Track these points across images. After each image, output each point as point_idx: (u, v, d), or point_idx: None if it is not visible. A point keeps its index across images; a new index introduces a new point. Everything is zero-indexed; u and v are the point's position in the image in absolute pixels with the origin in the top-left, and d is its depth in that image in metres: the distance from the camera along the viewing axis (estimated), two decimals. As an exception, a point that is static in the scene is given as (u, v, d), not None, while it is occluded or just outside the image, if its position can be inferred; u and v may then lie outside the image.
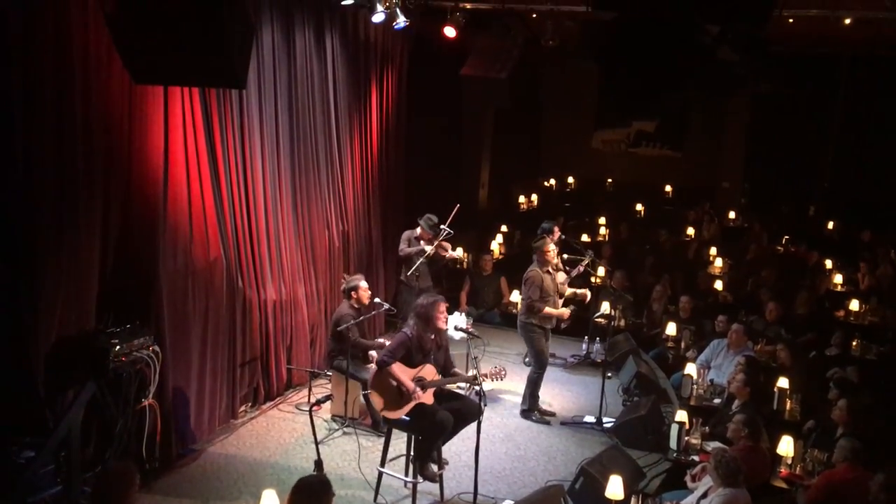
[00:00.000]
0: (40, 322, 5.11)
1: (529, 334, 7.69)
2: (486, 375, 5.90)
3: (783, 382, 7.19)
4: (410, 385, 5.76)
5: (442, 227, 8.82)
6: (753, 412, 6.22)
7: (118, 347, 5.34)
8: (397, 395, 5.81)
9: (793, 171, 14.88)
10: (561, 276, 8.16)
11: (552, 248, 7.77)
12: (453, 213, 8.87)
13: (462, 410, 5.89)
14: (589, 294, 8.25)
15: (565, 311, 7.84)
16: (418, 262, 8.77)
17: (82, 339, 5.35)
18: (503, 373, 6.12)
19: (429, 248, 8.78)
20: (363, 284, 7.46)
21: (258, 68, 7.25)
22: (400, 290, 9.21)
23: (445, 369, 6.12)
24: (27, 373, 5.06)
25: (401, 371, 5.78)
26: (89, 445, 5.60)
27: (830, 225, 13.97)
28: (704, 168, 16.36)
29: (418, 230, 9.01)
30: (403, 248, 9.04)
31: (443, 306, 5.96)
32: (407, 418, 5.84)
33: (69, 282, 5.30)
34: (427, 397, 5.84)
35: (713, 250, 12.23)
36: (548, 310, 7.57)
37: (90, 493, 5.02)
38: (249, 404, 7.55)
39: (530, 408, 7.81)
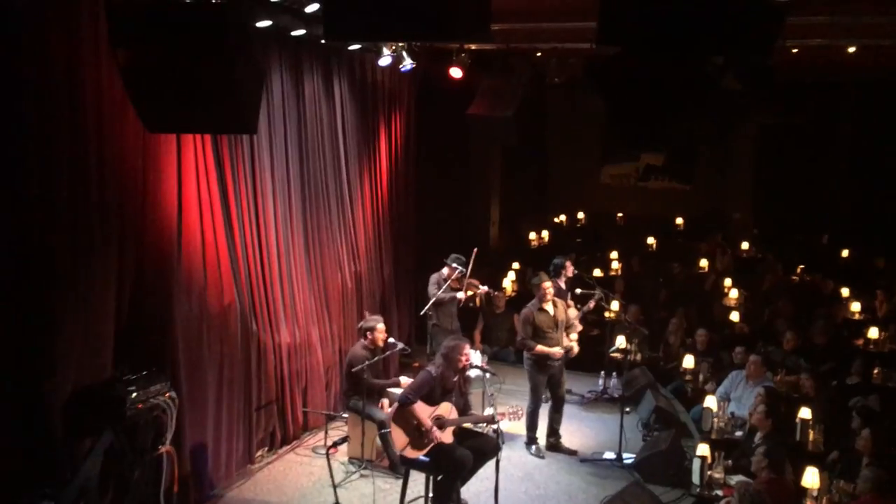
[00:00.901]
0: (57, 372, 5.11)
1: (528, 369, 7.80)
2: (503, 415, 5.88)
3: (805, 413, 7.09)
4: (428, 423, 5.75)
5: (455, 265, 8.85)
6: (776, 444, 6.13)
7: (135, 395, 5.33)
8: (417, 435, 5.78)
9: (803, 199, 14.84)
10: (573, 312, 8.15)
11: (548, 285, 7.78)
12: (472, 255, 8.90)
13: (480, 449, 5.86)
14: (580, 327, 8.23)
15: (557, 351, 7.67)
16: (453, 306, 8.82)
17: (99, 388, 5.35)
18: (520, 412, 6.10)
19: (461, 295, 8.84)
20: (380, 326, 7.46)
21: (268, 113, 7.35)
22: (433, 332, 9.21)
23: (464, 411, 6.13)
24: (44, 422, 5.05)
25: (421, 410, 5.78)
26: (107, 494, 5.57)
27: (845, 253, 13.88)
28: (715, 200, 16.34)
29: (445, 271, 9.02)
30: (433, 291, 9.01)
31: (467, 348, 6.01)
32: (426, 458, 5.79)
33: (85, 330, 5.31)
34: (446, 436, 5.81)
35: (728, 282, 12.16)
36: (539, 348, 7.57)
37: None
38: (266, 448, 7.52)
39: (528, 441, 7.81)
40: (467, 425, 6.13)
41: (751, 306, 11.50)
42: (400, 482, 6.13)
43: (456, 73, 9.35)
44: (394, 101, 10.05)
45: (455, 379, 6.00)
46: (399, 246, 10.34)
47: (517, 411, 6.07)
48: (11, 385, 4.96)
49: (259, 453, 7.38)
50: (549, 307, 7.72)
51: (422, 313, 9.00)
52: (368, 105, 9.42)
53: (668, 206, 16.76)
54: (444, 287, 8.91)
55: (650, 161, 17.19)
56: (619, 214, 17.09)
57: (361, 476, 7.05)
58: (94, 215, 5.39)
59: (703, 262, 13.79)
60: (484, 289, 9.15)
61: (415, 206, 10.92)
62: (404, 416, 5.83)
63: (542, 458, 7.67)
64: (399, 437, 5.83)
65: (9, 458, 4.88)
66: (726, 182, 16.03)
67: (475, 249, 8.94)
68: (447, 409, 5.90)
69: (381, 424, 6.97)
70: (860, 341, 9.82)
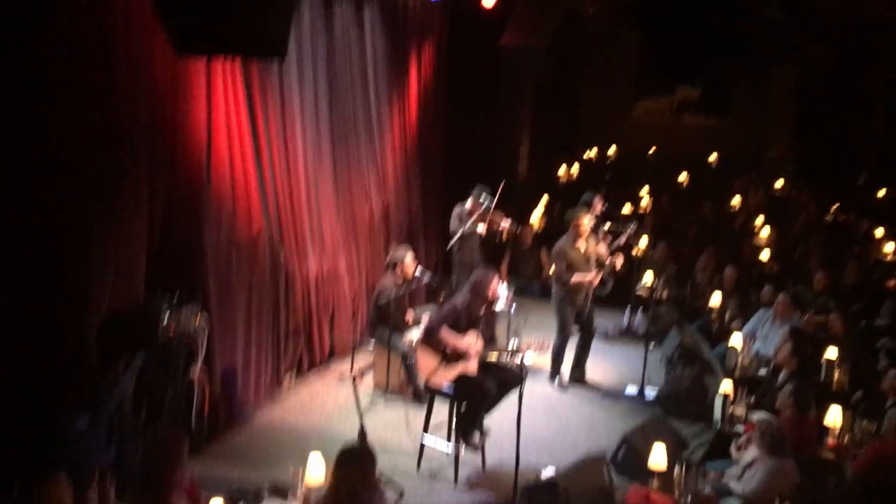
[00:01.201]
0: (91, 294, 5.21)
1: (556, 303, 7.82)
2: (529, 346, 5.90)
3: (831, 353, 7.06)
4: (463, 344, 5.81)
5: (482, 200, 8.80)
6: (803, 383, 6.12)
7: (166, 319, 5.44)
8: (443, 362, 5.86)
9: (842, 137, 14.50)
10: (602, 248, 8.09)
11: (585, 221, 7.71)
12: (500, 188, 8.84)
13: (505, 380, 5.93)
14: (619, 262, 8.10)
15: (589, 275, 7.67)
16: (456, 238, 8.78)
17: (132, 312, 5.45)
18: (546, 344, 6.11)
19: (481, 229, 8.79)
20: (409, 259, 7.48)
21: (297, 41, 7.25)
22: (452, 266, 9.22)
23: (490, 342, 6.16)
24: (80, 344, 5.19)
25: (451, 335, 5.83)
26: (140, 415, 5.74)
27: (881, 193, 13.61)
28: (750, 136, 16.03)
29: (468, 204, 8.97)
30: (456, 224, 9.00)
31: (496, 280, 6.00)
32: (450, 387, 5.88)
33: (118, 254, 5.39)
34: (471, 366, 5.88)
35: (759, 220, 12.01)
36: (576, 277, 7.56)
37: (142, 460, 5.15)
38: (294, 375, 7.67)
39: (552, 374, 7.88)
40: (493, 357, 6.17)
41: (782, 245, 11.38)
42: (423, 411, 6.24)
43: (488, 2, 9.15)
44: (425, 31, 9.87)
45: (482, 310, 6.03)
46: (427, 177, 10.30)
47: (543, 344, 6.09)
48: (47, 308, 5.09)
49: (287, 379, 7.53)
50: (581, 244, 7.68)
51: (448, 248, 9.00)
52: (399, 34, 9.26)
53: (702, 142, 16.51)
54: (467, 221, 8.88)
55: (685, 95, 16.90)
56: (651, 151, 16.85)
57: (386, 404, 7.19)
58: (125, 140, 5.40)
59: (736, 200, 13.62)
60: (508, 223, 9.10)
61: (443, 138, 10.83)
62: (430, 343, 5.90)
63: (565, 390, 7.75)
64: (424, 365, 5.92)
65: (46, 378, 5.03)
66: (764, 118, 15.67)
67: (503, 182, 8.86)
68: (474, 338, 5.95)
69: (407, 355, 7.08)
70: (892, 282, 9.71)
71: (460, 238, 8.95)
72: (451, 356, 5.83)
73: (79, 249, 5.14)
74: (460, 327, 5.94)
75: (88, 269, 5.18)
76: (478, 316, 6.01)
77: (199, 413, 6.06)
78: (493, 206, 8.83)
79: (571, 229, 7.76)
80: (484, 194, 8.86)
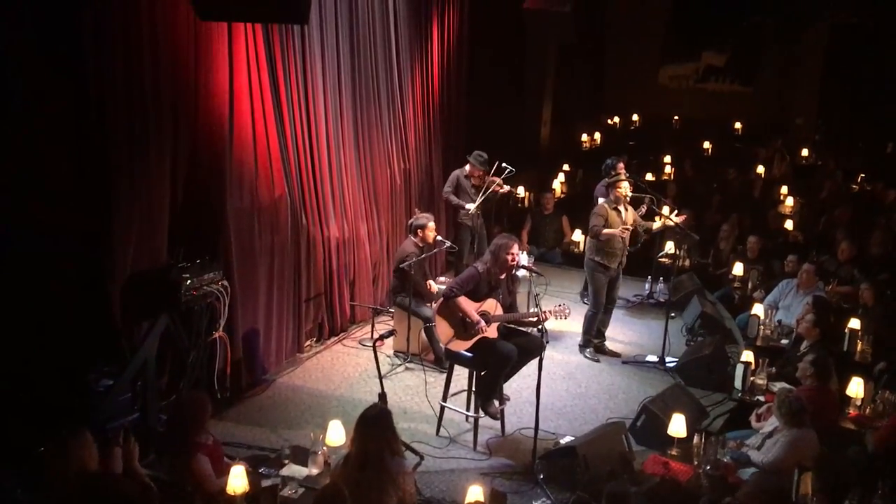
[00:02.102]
0: (115, 256, 5.27)
1: (591, 272, 7.70)
2: (549, 312, 5.89)
3: (854, 323, 7.00)
4: (475, 316, 5.80)
5: (504, 165, 8.72)
6: (825, 353, 6.08)
7: (189, 282, 5.48)
8: (462, 328, 5.87)
9: (871, 105, 14.21)
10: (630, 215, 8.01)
11: (624, 185, 7.63)
12: (496, 165, 8.73)
13: (525, 346, 5.92)
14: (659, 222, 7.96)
15: (618, 230, 7.52)
16: (469, 212, 8.72)
17: (155, 274, 5.51)
18: (567, 311, 6.09)
19: (471, 207, 8.68)
20: (431, 224, 7.47)
21: (319, 5, 7.20)
22: (459, 229, 9.19)
23: (510, 309, 6.14)
24: (104, 305, 5.26)
25: (466, 303, 5.83)
26: (164, 375, 5.83)
27: (910, 162, 13.38)
28: (777, 103, 15.77)
29: (467, 168, 8.93)
30: (448, 191, 8.96)
31: (515, 247, 5.96)
32: (470, 353, 5.89)
33: (141, 217, 5.44)
34: (491, 332, 5.88)
35: (784, 189, 11.86)
36: (606, 230, 7.47)
37: (165, 420, 5.24)
38: (314, 339, 7.73)
39: (584, 343, 7.83)
40: (513, 324, 6.15)
41: (806, 214, 11.24)
42: (444, 376, 6.27)
43: (512, -36, 9.01)
44: (448, -6, 9.75)
45: (502, 276, 6.01)
46: (448, 143, 10.24)
47: (563, 309, 6.06)
48: (73, 269, 5.15)
49: (307, 343, 7.59)
50: (622, 208, 7.62)
51: (467, 212, 8.92)
52: (421, -3, 9.16)
53: (727, 109, 16.27)
54: (463, 183, 8.84)
55: (711, 61, 16.62)
56: (675, 117, 16.64)
57: (407, 369, 7.24)
58: (148, 104, 5.42)
59: (760, 169, 13.44)
60: (506, 188, 9.01)
61: (466, 104, 10.74)
62: (449, 309, 5.89)
63: (598, 361, 7.69)
64: (444, 330, 5.92)
65: (72, 339, 5.10)
66: (790, 85, 15.40)
67: (498, 162, 8.73)
68: (492, 305, 5.94)
69: (427, 319, 7.10)
70: (918, 254, 9.57)
71: (456, 204, 8.93)
72: (470, 322, 5.82)
73: (102, 214, 5.18)
74: (480, 294, 5.93)
75: (111, 233, 5.23)
76: (497, 282, 5.99)
77: (220, 376, 6.13)
78: (490, 171, 8.75)
79: (611, 194, 7.69)
80: (479, 159, 8.78)
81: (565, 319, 6.14)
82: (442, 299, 5.96)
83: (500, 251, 5.90)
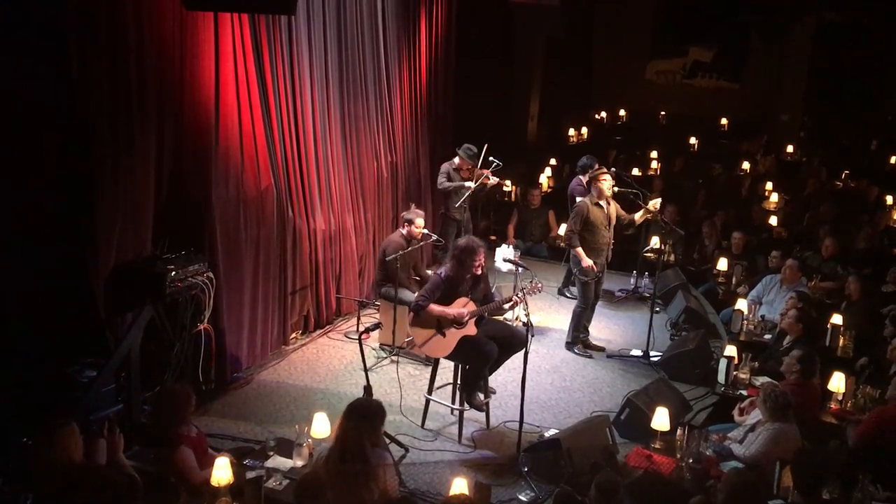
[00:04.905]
0: (99, 248, 5.24)
1: (577, 270, 7.66)
2: (522, 293, 5.88)
3: (837, 319, 7.06)
4: (452, 312, 5.77)
5: (491, 158, 8.74)
6: (810, 349, 6.13)
7: (174, 273, 5.45)
8: (439, 335, 5.83)
9: (855, 103, 14.33)
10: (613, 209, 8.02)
11: (607, 179, 7.59)
12: (484, 150, 8.73)
13: (509, 340, 5.92)
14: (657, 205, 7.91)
15: (588, 262, 7.42)
16: (465, 196, 8.74)
17: (140, 265, 5.48)
18: (540, 285, 6.06)
19: (470, 184, 8.72)
20: (419, 221, 7.50)
21: (307, -4, 7.17)
22: (445, 222, 9.20)
23: (485, 300, 6.10)
24: (88, 297, 5.23)
25: (439, 308, 5.79)
26: (148, 367, 5.81)
27: (893, 159, 13.48)
28: (763, 100, 15.85)
29: (456, 160, 8.94)
30: (443, 181, 8.97)
31: (481, 255, 5.87)
32: (451, 360, 5.88)
33: (126, 208, 5.41)
34: (469, 329, 5.85)
35: (769, 185, 11.94)
36: (579, 250, 7.45)
37: (149, 412, 5.22)
38: (300, 332, 7.72)
39: (573, 340, 7.83)
40: (497, 317, 6.12)
41: (791, 210, 11.32)
42: (429, 369, 6.27)
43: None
44: (436, -13, 9.72)
45: (468, 277, 5.93)
46: (436, 137, 10.23)
47: (536, 284, 6.02)
48: (56, 260, 5.12)
49: (293, 336, 7.58)
50: (604, 203, 7.58)
51: (457, 205, 8.93)
52: (410, -10, 9.13)
53: (714, 105, 16.35)
54: (454, 178, 8.87)
55: (698, 57, 16.68)
56: (662, 113, 16.70)
57: (392, 361, 7.24)
58: (133, 94, 5.38)
59: (746, 165, 13.52)
60: (494, 180, 9.02)
61: (453, 97, 10.73)
62: (422, 320, 5.86)
63: (590, 357, 7.69)
64: (421, 341, 5.89)
65: (55, 330, 5.07)
66: (776, 82, 15.48)
67: (486, 146, 8.74)
68: (463, 303, 5.89)
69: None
70: (901, 250, 9.67)
71: (446, 195, 8.95)
72: (445, 324, 5.79)
73: (87, 205, 5.15)
74: (449, 298, 5.88)
75: (96, 224, 5.20)
76: (466, 285, 5.94)
77: (205, 368, 6.11)
78: (479, 163, 8.76)
79: (593, 188, 7.65)
80: (468, 152, 8.80)
81: (538, 293, 6.13)
82: (412, 315, 5.91)
83: (466, 258, 5.80)
